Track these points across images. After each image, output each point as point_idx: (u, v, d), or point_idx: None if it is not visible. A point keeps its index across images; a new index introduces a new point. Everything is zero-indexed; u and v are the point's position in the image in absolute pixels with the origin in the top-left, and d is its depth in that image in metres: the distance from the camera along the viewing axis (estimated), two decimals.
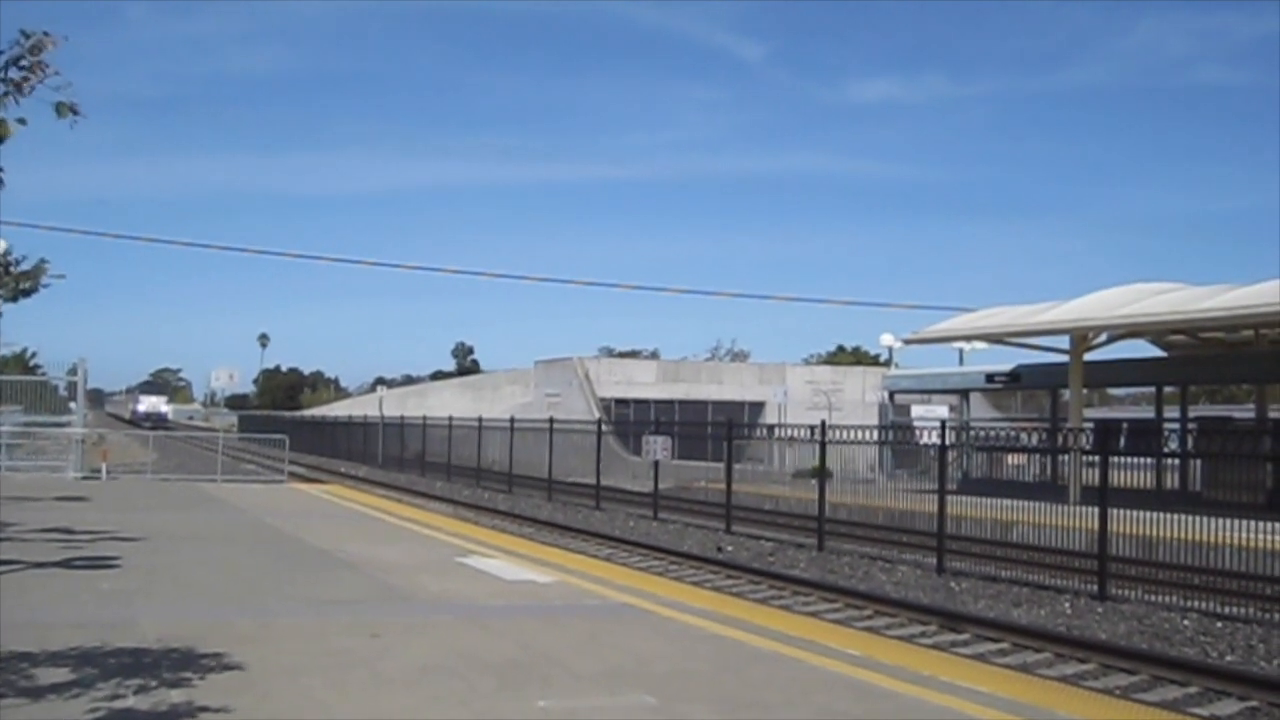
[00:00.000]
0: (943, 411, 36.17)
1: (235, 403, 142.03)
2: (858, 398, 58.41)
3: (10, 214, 36.02)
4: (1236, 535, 16.13)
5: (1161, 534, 17.05)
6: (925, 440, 23.98)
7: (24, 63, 5.95)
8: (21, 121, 5.98)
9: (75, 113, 6.10)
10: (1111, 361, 30.69)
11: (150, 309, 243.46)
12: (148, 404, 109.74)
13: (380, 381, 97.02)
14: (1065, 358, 28.88)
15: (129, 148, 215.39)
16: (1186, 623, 14.66)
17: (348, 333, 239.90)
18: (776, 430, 32.29)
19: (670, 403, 56.31)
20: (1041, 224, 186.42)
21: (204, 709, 6.59)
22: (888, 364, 57.19)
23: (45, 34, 5.96)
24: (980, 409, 39.49)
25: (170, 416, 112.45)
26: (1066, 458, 24.95)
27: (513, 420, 40.41)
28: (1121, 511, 17.04)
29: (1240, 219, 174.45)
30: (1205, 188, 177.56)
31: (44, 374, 37.60)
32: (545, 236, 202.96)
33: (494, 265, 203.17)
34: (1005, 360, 35.34)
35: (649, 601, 11.77)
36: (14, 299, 20.87)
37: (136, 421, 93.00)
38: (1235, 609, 15.11)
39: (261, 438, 48.91)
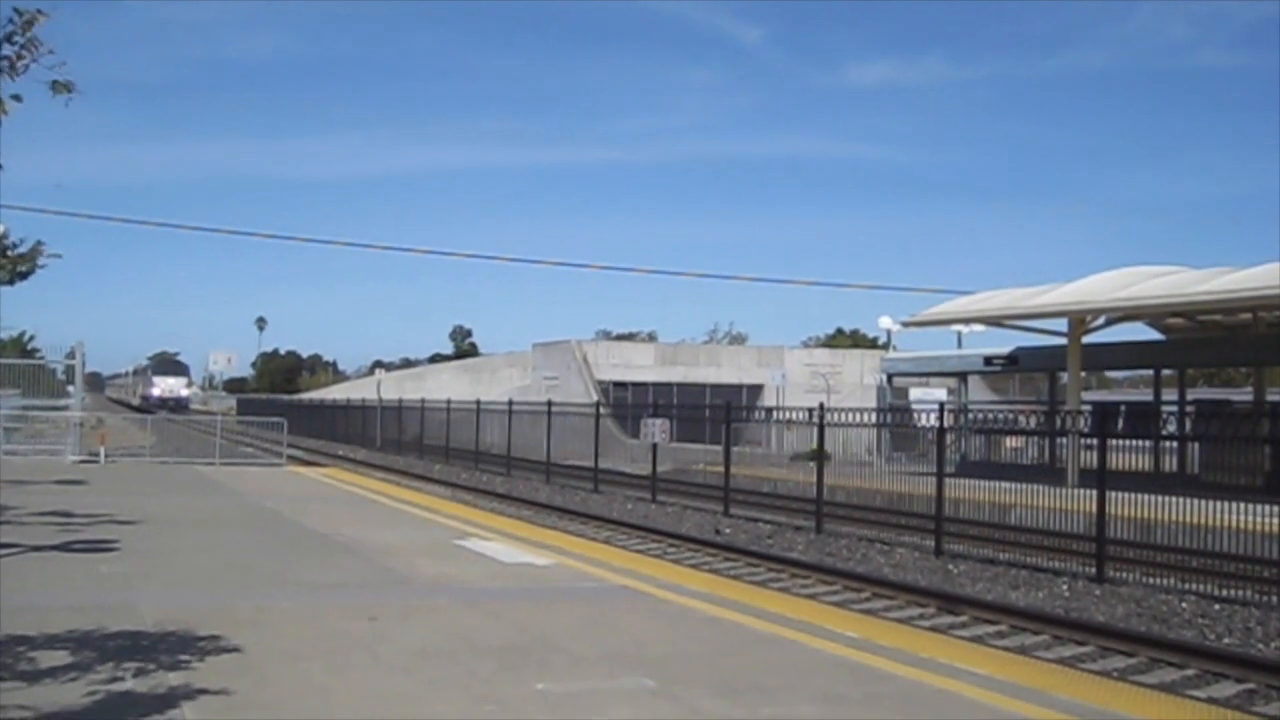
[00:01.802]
0: (941, 394, 36.22)
1: (233, 386, 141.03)
2: (856, 380, 58.43)
3: (7, 197, 35.94)
4: (1234, 518, 16.12)
5: (1159, 517, 17.05)
6: (923, 423, 23.98)
7: (17, 39, 5.91)
8: (16, 98, 5.95)
9: (70, 91, 6.07)
10: (1109, 344, 30.70)
11: (148, 292, 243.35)
12: (164, 387, 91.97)
13: (378, 364, 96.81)
14: (1063, 340, 28.86)
15: (127, 132, 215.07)
16: (1184, 605, 14.68)
17: (345, 316, 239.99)
18: (774, 413, 32.36)
19: (668, 385, 56.27)
20: (1041, 207, 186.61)
21: (202, 691, 6.59)
22: (886, 347, 57.22)
23: (39, 11, 5.92)
24: (978, 392, 39.51)
25: (191, 402, 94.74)
26: (1064, 440, 24.97)
27: (511, 403, 40.39)
28: (1119, 494, 17.04)
29: (1239, 203, 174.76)
30: (1204, 172, 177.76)
31: (42, 357, 37.55)
32: (543, 220, 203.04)
33: (492, 248, 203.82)
34: (1003, 343, 35.38)
35: (647, 584, 11.77)
36: (11, 281, 20.78)
37: (150, 408, 77.32)
38: (1233, 591, 15.13)
39: (260, 421, 48.94)
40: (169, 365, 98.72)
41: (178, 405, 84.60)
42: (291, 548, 13.95)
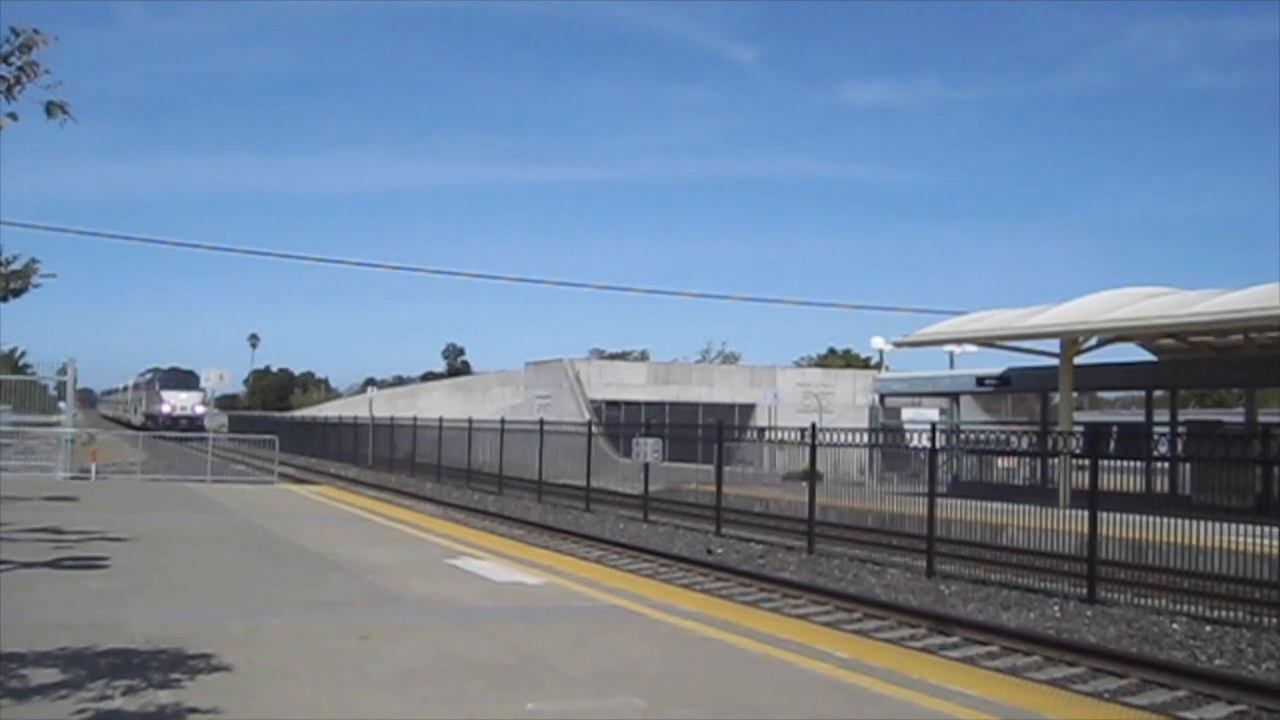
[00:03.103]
0: (933, 414, 36.21)
1: (225, 403, 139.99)
2: (848, 400, 58.59)
3: (1, 213, 35.94)
4: (1225, 539, 16.16)
5: (1151, 537, 17.09)
6: (915, 443, 24.00)
7: (14, 61, 5.93)
8: (13, 116, 5.96)
9: (65, 112, 6.09)
10: (1102, 365, 30.76)
11: (140, 309, 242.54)
12: (175, 402, 77.47)
13: (370, 382, 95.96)
14: (1055, 361, 28.92)
15: (119, 148, 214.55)
16: (1175, 626, 14.69)
17: (338, 333, 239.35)
18: (767, 432, 32.37)
19: (661, 405, 56.42)
20: (1034, 227, 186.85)
21: (192, 710, 6.58)
22: (878, 367, 57.30)
23: (35, 31, 5.93)
24: (970, 412, 39.53)
25: (207, 422, 74.81)
26: (1056, 461, 24.98)
27: (503, 422, 40.38)
28: (1111, 515, 17.07)
29: (1234, 223, 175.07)
30: (1199, 192, 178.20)
31: (33, 374, 37.50)
32: (536, 238, 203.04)
33: (485, 266, 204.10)
34: (996, 363, 35.38)
35: (638, 604, 11.76)
36: (4, 298, 20.80)
37: (158, 428, 65.96)
38: (1224, 613, 15.14)
39: (251, 438, 48.78)
40: (181, 378, 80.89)
41: (191, 424, 69.52)
42: (282, 565, 13.93)
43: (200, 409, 77.97)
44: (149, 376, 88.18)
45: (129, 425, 78.17)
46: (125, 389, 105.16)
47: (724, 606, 13.77)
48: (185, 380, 79.88)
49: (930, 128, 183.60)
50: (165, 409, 77.11)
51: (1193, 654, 13.37)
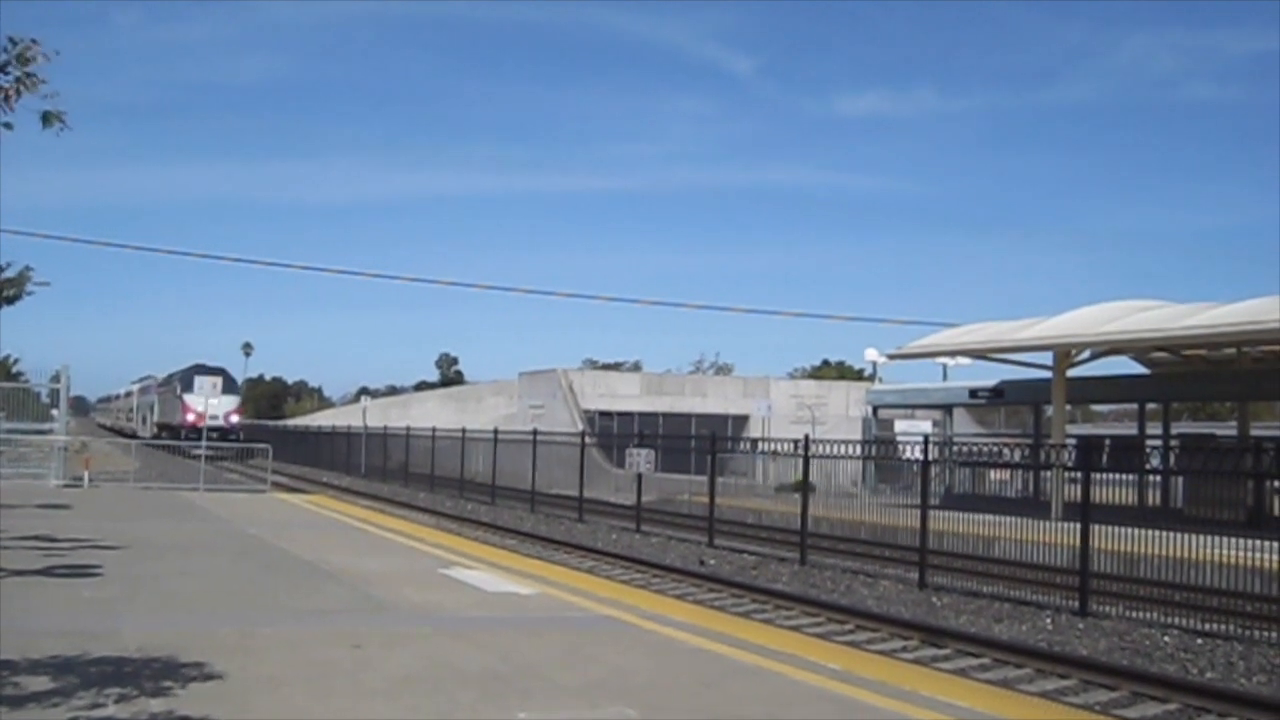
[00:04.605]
0: (926, 426, 36.27)
1: None
2: (842, 412, 58.60)
3: None
4: (1217, 552, 16.20)
5: (1143, 550, 17.11)
6: (908, 455, 24.02)
7: (11, 71, 5.94)
8: (8, 126, 5.98)
9: (63, 122, 6.10)
10: (1095, 378, 30.82)
11: (134, 317, 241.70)
12: (202, 407, 55.85)
13: (364, 391, 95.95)
14: (1048, 374, 28.99)
15: (113, 154, 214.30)
16: (1167, 639, 14.72)
17: (332, 342, 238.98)
18: (760, 444, 32.35)
19: (654, 415, 56.37)
20: (1029, 239, 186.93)
21: (185, 718, 6.58)
22: (872, 379, 57.41)
23: (33, 41, 5.94)
24: (964, 424, 39.63)
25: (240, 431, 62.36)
26: (1049, 474, 25.03)
27: (496, 431, 40.37)
28: (1103, 528, 17.11)
29: (1230, 236, 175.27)
30: (1194, 204, 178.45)
31: (26, 381, 37.44)
32: (530, 247, 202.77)
33: (479, 276, 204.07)
34: (989, 376, 35.49)
35: (631, 614, 11.77)
36: None
37: (179, 439, 54.27)
38: (1215, 626, 15.17)
39: (244, 447, 48.73)
40: (200, 377, 66.20)
41: (223, 437, 53.23)
42: (275, 574, 13.92)
43: (235, 417, 63.99)
44: (169, 377, 74.36)
45: (132, 436, 69.07)
46: (128, 394, 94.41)
47: (716, 618, 13.80)
48: (214, 381, 66.48)
49: (925, 139, 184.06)
50: (190, 417, 61.87)
51: (1184, 667, 13.39)
